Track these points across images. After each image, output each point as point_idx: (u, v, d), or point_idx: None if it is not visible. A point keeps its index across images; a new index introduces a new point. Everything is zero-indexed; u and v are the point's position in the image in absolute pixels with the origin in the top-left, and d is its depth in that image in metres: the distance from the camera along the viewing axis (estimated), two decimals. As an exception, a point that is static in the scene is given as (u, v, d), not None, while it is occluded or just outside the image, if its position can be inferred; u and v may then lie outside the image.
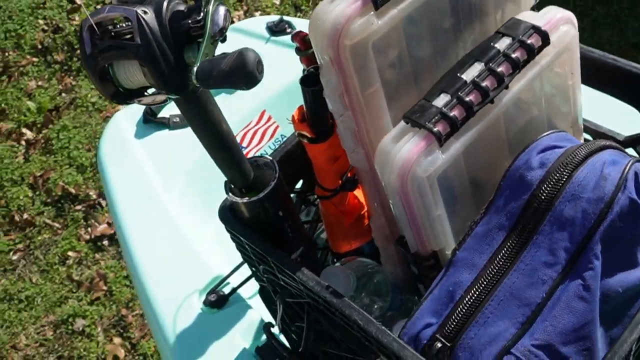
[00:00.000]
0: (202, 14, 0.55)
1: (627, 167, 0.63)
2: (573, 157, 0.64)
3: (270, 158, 0.75)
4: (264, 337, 0.98)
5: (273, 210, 0.74)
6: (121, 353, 1.91)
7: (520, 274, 0.64)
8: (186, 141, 1.26)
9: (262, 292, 0.90)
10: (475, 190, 0.74)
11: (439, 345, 0.64)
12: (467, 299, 0.65)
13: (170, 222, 1.16)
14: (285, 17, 1.42)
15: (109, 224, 2.20)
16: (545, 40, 0.69)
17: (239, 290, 1.04)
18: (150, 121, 1.31)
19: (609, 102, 0.94)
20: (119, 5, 0.56)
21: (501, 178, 0.68)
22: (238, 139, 1.27)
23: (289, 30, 1.39)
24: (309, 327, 0.80)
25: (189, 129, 1.29)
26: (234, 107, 1.29)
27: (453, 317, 0.65)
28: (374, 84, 0.65)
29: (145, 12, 0.55)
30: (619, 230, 0.62)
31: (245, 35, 1.43)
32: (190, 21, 0.55)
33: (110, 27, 0.57)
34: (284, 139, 1.28)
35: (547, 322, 0.62)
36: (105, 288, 2.06)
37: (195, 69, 0.54)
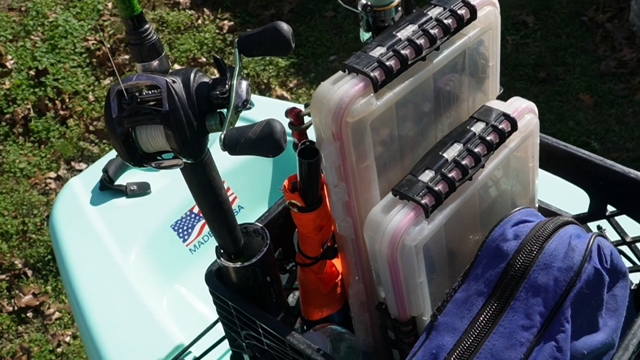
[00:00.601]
0: (227, 86, 0.60)
1: (592, 240, 0.71)
2: (543, 230, 0.72)
3: (261, 225, 0.79)
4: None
5: (262, 275, 0.77)
6: None
7: (499, 337, 0.69)
8: (144, 209, 1.29)
9: (236, 359, 0.92)
10: (450, 261, 0.80)
11: (426, 405, 0.68)
12: (450, 361, 0.70)
13: (127, 290, 1.16)
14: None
15: (35, 295, 2.13)
16: (514, 126, 0.78)
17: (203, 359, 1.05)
18: (107, 188, 1.32)
19: (553, 184, 1.04)
20: (147, 73, 0.60)
21: (478, 248, 0.74)
22: (197, 210, 1.30)
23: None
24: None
25: (146, 197, 1.32)
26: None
27: (438, 378, 0.69)
28: (368, 159, 0.71)
29: (174, 82, 0.59)
30: (585, 296, 0.69)
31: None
32: (217, 92, 0.60)
33: (137, 94, 0.61)
34: (241, 209, 1.32)
35: (525, 382, 0.67)
36: (28, 362, 1.98)
37: (222, 136, 0.58)
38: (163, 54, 0.63)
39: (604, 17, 2.69)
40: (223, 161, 1.32)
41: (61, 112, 2.80)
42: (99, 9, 3.24)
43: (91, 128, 2.73)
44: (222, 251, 0.77)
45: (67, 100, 2.85)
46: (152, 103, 0.61)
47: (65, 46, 3.03)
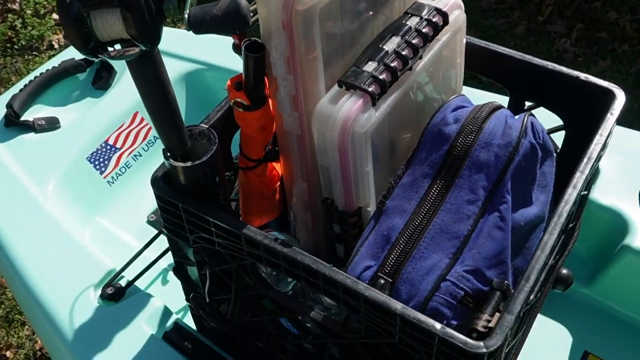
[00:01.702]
0: (185, -35, 0.60)
1: (526, 118, 0.76)
2: (481, 112, 0.77)
3: (206, 127, 0.79)
4: (169, 322, 0.99)
5: (211, 175, 0.77)
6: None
7: (447, 213, 0.74)
8: (55, 144, 1.24)
9: (179, 270, 0.91)
10: (391, 152, 0.84)
11: (382, 282, 0.72)
12: (402, 239, 0.73)
13: (49, 223, 1.12)
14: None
15: None
16: (446, 20, 0.82)
17: (137, 284, 1.04)
18: (14, 124, 1.25)
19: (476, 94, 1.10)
20: (102, -45, 0.58)
21: (420, 135, 0.78)
22: (112, 141, 1.27)
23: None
24: (238, 292, 0.84)
25: (56, 132, 1.27)
26: (108, 109, 1.28)
27: (391, 256, 0.73)
28: (316, 50, 0.73)
29: (131, -38, 0.58)
30: (523, 170, 0.75)
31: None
32: (176, -27, 0.59)
33: (92, -23, 0.58)
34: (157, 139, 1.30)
35: (474, 251, 0.72)
36: None
37: (186, 15, 0.58)
38: None
39: (482, -45, 2.80)
40: (134, 92, 1.30)
41: None
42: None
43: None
44: (169, 154, 0.76)
45: None
46: (108, -14, 0.59)
47: None
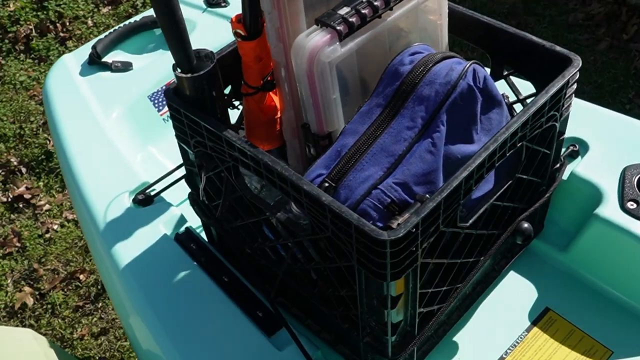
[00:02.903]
0: None
1: (468, 64, 0.89)
2: (433, 57, 0.90)
3: (210, 50, 0.97)
4: (182, 227, 1.18)
5: (209, 89, 0.95)
6: (30, 301, 2.02)
7: (389, 135, 0.88)
8: (125, 82, 1.47)
9: (189, 180, 1.10)
10: (363, 88, 0.98)
11: (326, 185, 0.87)
12: (349, 154, 0.88)
13: (106, 141, 1.35)
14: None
15: (28, 189, 2.31)
16: (422, -19, 0.96)
17: (163, 195, 1.23)
18: (95, 63, 1.49)
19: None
20: None
21: (382, 72, 0.92)
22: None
23: (223, 4, 1.63)
24: (226, 195, 1.01)
25: (128, 73, 1.50)
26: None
27: (338, 167, 0.88)
28: (296, -10, 0.89)
29: None
30: (459, 107, 0.88)
31: (183, 4, 1.65)
32: None
33: None
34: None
35: (405, 168, 0.86)
36: (18, 244, 2.17)
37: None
38: None
39: (578, -27, 2.85)
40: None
41: (61, 34, 2.97)
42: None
43: (89, 50, 2.89)
44: (178, 68, 0.95)
45: (67, 23, 3.02)
46: None
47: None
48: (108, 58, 1.52)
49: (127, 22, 1.57)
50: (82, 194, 1.25)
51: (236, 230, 1.06)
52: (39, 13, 3.03)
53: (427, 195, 0.83)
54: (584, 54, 2.52)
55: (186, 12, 1.66)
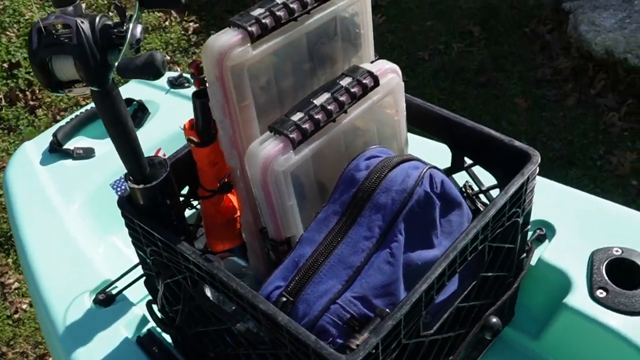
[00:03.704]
0: (124, 27, 0.77)
1: (424, 170, 0.87)
2: (389, 162, 0.88)
3: (163, 157, 0.95)
4: (144, 329, 1.14)
5: (162, 198, 0.92)
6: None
7: (346, 246, 0.85)
8: (87, 170, 1.44)
9: (148, 283, 1.07)
10: (321, 192, 0.96)
11: (284, 300, 0.84)
12: (306, 266, 0.85)
13: (66, 234, 1.31)
14: (185, 74, 1.65)
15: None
16: (376, 82, 0.94)
17: (126, 293, 1.20)
18: (56, 151, 1.47)
19: (430, 145, 1.21)
20: (62, 15, 0.76)
21: (339, 178, 0.90)
22: (134, 171, 1.45)
23: (187, 85, 1.62)
24: (185, 302, 0.97)
25: (90, 160, 1.47)
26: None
27: (296, 279, 0.85)
28: (247, 99, 0.87)
29: (82, 22, 0.75)
30: (417, 214, 0.86)
31: (148, 85, 1.64)
32: (116, 30, 0.76)
33: (53, 31, 0.76)
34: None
35: (363, 280, 0.83)
36: (-15, 326, 2.10)
37: (116, 63, 0.75)
38: (77, 2, 0.79)
39: (544, 29, 2.89)
40: (161, 130, 1.48)
41: (31, 102, 2.94)
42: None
43: (58, 118, 2.87)
44: (130, 177, 0.92)
45: (37, 91, 3.00)
46: (64, 38, 0.77)
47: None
48: (70, 144, 1.49)
49: (88, 107, 1.55)
50: (40, 294, 1.21)
51: (198, 335, 1.03)
52: (8, 81, 3.01)
53: (387, 310, 0.80)
54: (552, 110, 2.54)
55: (149, 93, 1.66)
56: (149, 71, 0.73)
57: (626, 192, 2.21)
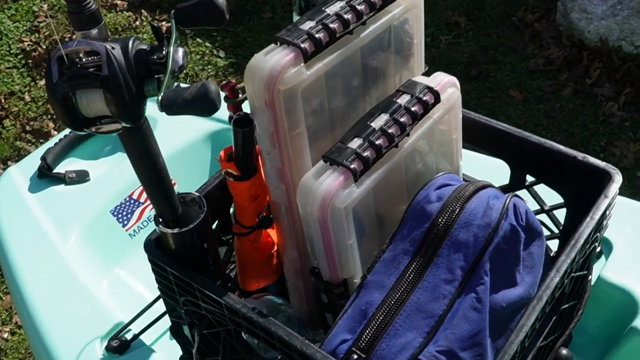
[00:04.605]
0: (164, 52, 0.63)
1: (508, 200, 0.76)
2: (464, 192, 0.77)
3: (198, 194, 0.82)
4: (168, 379, 1.01)
5: (199, 241, 0.80)
6: None
7: (424, 291, 0.74)
8: (82, 196, 1.30)
9: (174, 329, 0.94)
10: (379, 225, 0.85)
11: (355, 357, 0.72)
12: (378, 315, 0.74)
13: (66, 272, 1.17)
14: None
15: (-29, 294, 2.09)
16: (437, 98, 0.83)
17: (142, 338, 1.07)
18: (46, 176, 1.32)
19: (481, 161, 1.10)
20: (86, 40, 0.63)
21: (404, 211, 0.79)
22: (136, 196, 1.32)
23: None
24: (224, 355, 0.85)
25: (85, 185, 1.33)
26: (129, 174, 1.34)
27: (367, 331, 0.73)
28: (300, 126, 0.75)
29: (113, 48, 0.62)
30: (503, 251, 0.75)
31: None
32: (155, 58, 0.63)
33: (77, 60, 0.63)
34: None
35: (448, 331, 0.72)
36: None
37: (159, 98, 0.61)
38: (102, 23, 0.66)
39: (532, 17, 2.81)
40: (162, 146, 1.34)
41: (-4, 112, 2.75)
42: (34, 10, 3.19)
43: (28, 128, 2.69)
44: (160, 220, 0.80)
45: (2, 100, 2.80)
46: (91, 68, 0.63)
47: (0, 47, 2.99)
48: (60, 168, 1.34)
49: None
50: (44, 343, 1.07)
51: (236, 387, 0.91)
52: (-31, 90, 2.81)
53: (479, 365, 0.70)
54: (549, 101, 2.46)
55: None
56: (203, 106, 0.60)
57: (632, 185, 2.14)
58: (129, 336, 1.07)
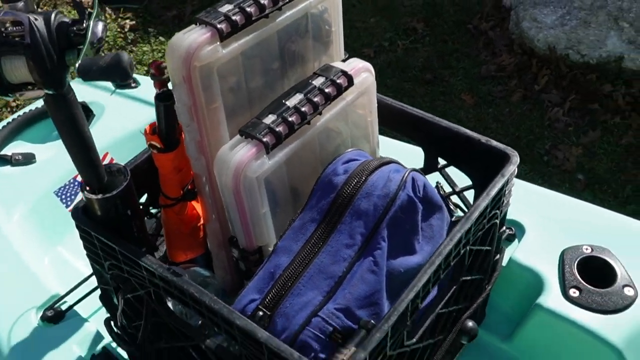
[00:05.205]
0: (84, 25, 0.69)
1: (407, 174, 0.83)
2: (368, 166, 0.84)
3: (122, 165, 0.87)
4: (99, 346, 1.06)
5: (123, 208, 0.85)
6: None
7: (327, 254, 0.80)
8: (28, 177, 1.34)
9: (104, 298, 0.99)
10: (294, 198, 0.91)
11: (260, 314, 0.79)
12: (284, 277, 0.80)
13: (7, 248, 1.21)
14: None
15: None
16: (351, 82, 0.90)
17: (76, 309, 1.11)
18: (-8, 157, 1.36)
19: (400, 147, 1.17)
20: (11, 11, 0.68)
21: (314, 183, 0.85)
22: (80, 178, 1.36)
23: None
24: (147, 318, 0.91)
25: (31, 167, 1.37)
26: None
27: (273, 291, 0.80)
28: (217, 102, 0.81)
29: (36, 19, 0.67)
30: (400, 220, 0.82)
31: (91, 86, 1.55)
32: (75, 29, 0.69)
33: (2, 29, 0.68)
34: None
35: (346, 291, 0.78)
36: None
37: (77, 65, 0.67)
38: None
39: (487, 25, 2.90)
40: (107, 133, 1.39)
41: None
42: None
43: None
44: (87, 187, 0.85)
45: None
46: (17, 37, 0.69)
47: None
48: (7, 150, 1.39)
49: (27, 110, 1.45)
50: (-18, 312, 1.12)
51: (160, 352, 0.96)
52: None
53: (372, 321, 0.76)
54: (499, 106, 2.55)
55: (93, 94, 1.57)
56: (116, 73, 0.66)
57: (573, 187, 2.23)
58: (64, 307, 1.11)
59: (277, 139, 0.82)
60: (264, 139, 0.81)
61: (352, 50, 2.85)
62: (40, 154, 1.39)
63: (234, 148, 0.82)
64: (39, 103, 1.47)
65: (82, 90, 1.54)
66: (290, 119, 0.84)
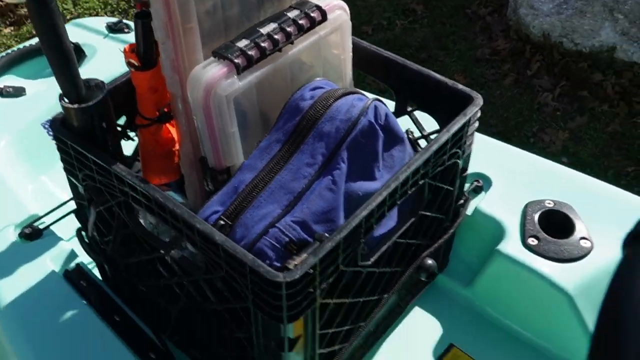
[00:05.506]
0: None
1: (369, 101, 0.87)
2: (334, 93, 0.88)
3: (101, 80, 0.91)
4: (72, 264, 1.10)
5: (99, 120, 0.89)
6: None
7: (288, 172, 0.84)
8: (16, 108, 1.38)
9: (79, 214, 1.03)
10: (264, 123, 0.95)
11: (222, 223, 0.83)
12: (246, 190, 0.84)
13: (-8, 173, 1.26)
14: (125, 20, 1.60)
15: None
16: (324, 16, 0.94)
17: (54, 228, 1.16)
18: (-15, 88, 1.40)
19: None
20: None
21: (282, 107, 0.89)
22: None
23: (126, 30, 1.57)
24: (117, 230, 0.95)
25: (21, 99, 1.41)
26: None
27: (234, 204, 0.84)
28: (192, 21, 0.85)
29: None
30: (361, 144, 0.86)
31: (85, 30, 1.58)
32: None
33: None
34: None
35: (304, 206, 0.83)
36: None
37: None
38: None
39: (485, 11, 2.94)
40: (97, 75, 1.43)
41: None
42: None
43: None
44: (65, 98, 0.89)
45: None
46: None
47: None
48: (-1, 82, 1.43)
49: (21, 46, 1.49)
50: (-38, 228, 1.16)
51: (129, 267, 1.00)
52: None
53: (327, 234, 0.80)
54: (491, 88, 2.59)
55: (87, 37, 1.60)
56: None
57: (556, 169, 2.27)
58: (42, 227, 1.16)
59: (249, 62, 0.86)
60: (236, 60, 0.85)
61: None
62: (31, 88, 1.43)
63: (206, 67, 0.86)
64: (33, 41, 1.51)
65: (76, 32, 1.58)
66: (262, 44, 0.87)
